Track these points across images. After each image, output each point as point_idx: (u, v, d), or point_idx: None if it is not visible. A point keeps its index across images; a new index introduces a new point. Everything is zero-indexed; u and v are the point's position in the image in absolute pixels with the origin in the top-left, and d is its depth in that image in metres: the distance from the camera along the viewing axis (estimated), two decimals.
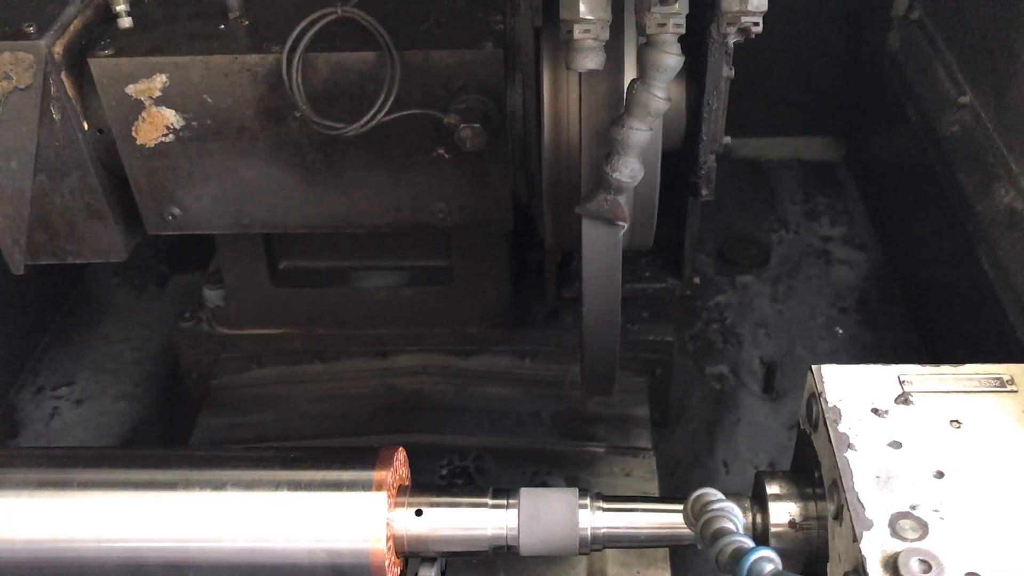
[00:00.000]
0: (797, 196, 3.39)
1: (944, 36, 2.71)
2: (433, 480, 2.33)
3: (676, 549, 2.11)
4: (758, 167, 3.50)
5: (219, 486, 1.43)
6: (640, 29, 1.35)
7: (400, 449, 1.50)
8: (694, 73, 1.77)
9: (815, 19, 3.27)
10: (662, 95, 1.38)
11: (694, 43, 1.64)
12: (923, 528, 1.18)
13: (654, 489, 2.26)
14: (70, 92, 1.91)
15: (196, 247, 3.03)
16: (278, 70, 1.82)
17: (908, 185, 2.92)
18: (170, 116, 1.93)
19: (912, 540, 1.17)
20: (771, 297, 3.01)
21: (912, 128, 2.75)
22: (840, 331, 2.88)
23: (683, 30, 1.34)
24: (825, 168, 3.50)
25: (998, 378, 1.36)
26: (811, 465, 1.37)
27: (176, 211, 2.06)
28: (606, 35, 1.38)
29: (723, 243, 3.18)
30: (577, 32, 1.37)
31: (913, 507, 1.21)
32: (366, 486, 1.41)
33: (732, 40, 1.36)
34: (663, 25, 1.32)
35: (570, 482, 2.29)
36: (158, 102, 1.91)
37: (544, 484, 2.30)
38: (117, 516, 1.43)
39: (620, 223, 1.54)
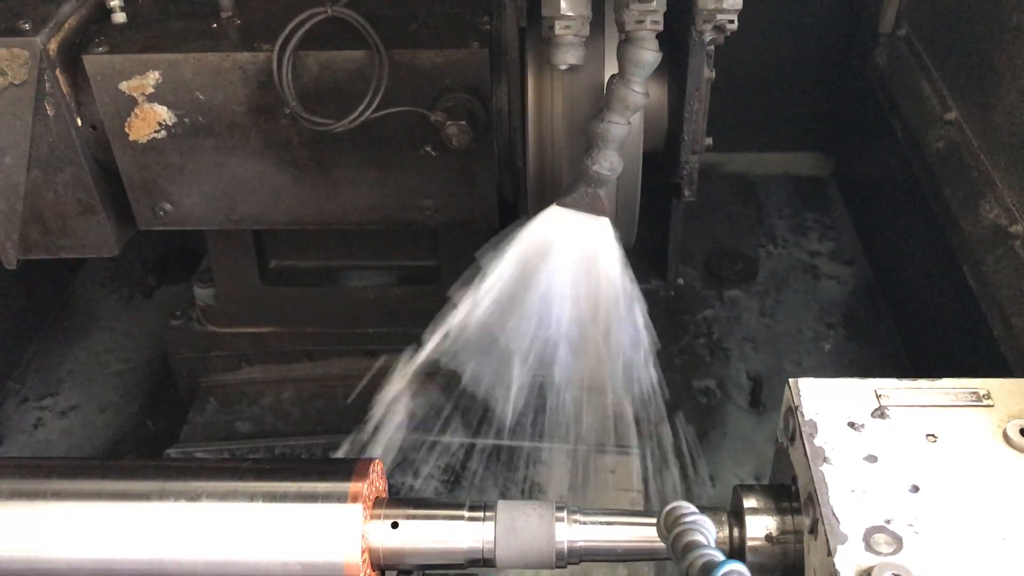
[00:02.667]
0: (785, 211, 3.30)
1: (930, 53, 2.65)
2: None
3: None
4: (746, 182, 3.40)
5: (193, 497, 1.34)
6: (619, 26, 1.35)
7: (377, 461, 1.42)
8: (676, 75, 1.76)
9: (803, 36, 3.20)
10: (640, 90, 1.38)
11: (676, 46, 1.63)
12: (897, 542, 1.11)
13: (638, 485, 2.19)
14: (64, 88, 1.86)
15: (183, 258, 2.99)
16: (269, 68, 1.78)
17: (895, 201, 2.85)
18: (162, 113, 1.88)
19: (886, 554, 1.10)
20: (759, 312, 2.91)
21: (899, 144, 2.69)
22: (827, 346, 2.78)
23: (660, 27, 1.33)
24: (813, 183, 3.40)
25: (975, 392, 1.30)
26: (788, 478, 1.31)
27: (167, 206, 2.01)
28: (586, 31, 1.39)
29: (711, 257, 3.07)
30: (558, 28, 1.37)
31: (888, 521, 1.14)
32: (342, 498, 1.33)
33: (709, 37, 1.36)
34: (641, 22, 1.31)
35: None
36: (151, 99, 1.87)
37: (529, 481, 2.24)
38: (89, 527, 1.35)
39: (600, 216, 1.52)
